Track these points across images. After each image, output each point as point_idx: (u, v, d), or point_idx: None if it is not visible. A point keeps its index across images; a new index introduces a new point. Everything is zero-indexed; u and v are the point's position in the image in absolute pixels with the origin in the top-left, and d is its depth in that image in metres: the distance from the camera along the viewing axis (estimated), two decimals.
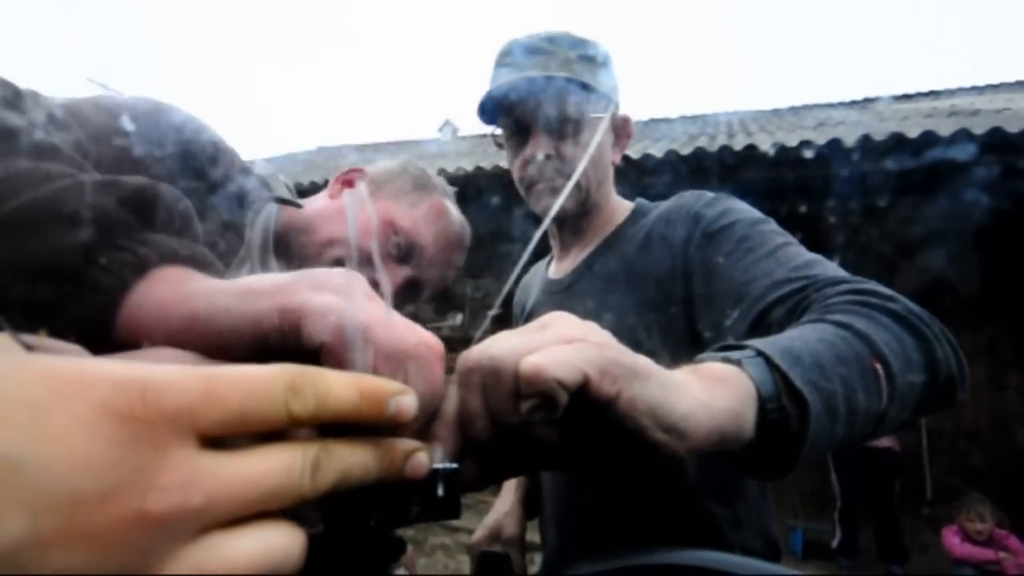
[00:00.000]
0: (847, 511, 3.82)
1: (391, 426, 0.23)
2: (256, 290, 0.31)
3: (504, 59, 0.81)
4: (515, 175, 0.85)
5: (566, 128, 0.79)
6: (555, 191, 0.79)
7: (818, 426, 0.38)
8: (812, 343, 0.43)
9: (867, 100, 6.73)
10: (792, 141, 3.60)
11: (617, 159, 0.88)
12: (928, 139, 3.28)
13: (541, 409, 0.29)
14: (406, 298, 0.76)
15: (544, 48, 0.78)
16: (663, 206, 0.82)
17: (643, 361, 0.32)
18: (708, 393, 0.34)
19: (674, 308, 0.73)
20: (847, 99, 6.84)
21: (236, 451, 0.19)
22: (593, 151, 0.80)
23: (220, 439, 0.19)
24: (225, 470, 0.18)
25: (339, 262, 0.68)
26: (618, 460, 0.33)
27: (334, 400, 0.21)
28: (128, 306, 0.31)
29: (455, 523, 4.47)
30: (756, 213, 0.71)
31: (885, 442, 3.73)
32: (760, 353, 0.40)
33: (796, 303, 0.56)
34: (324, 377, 0.21)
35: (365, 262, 0.61)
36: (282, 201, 0.70)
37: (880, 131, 3.45)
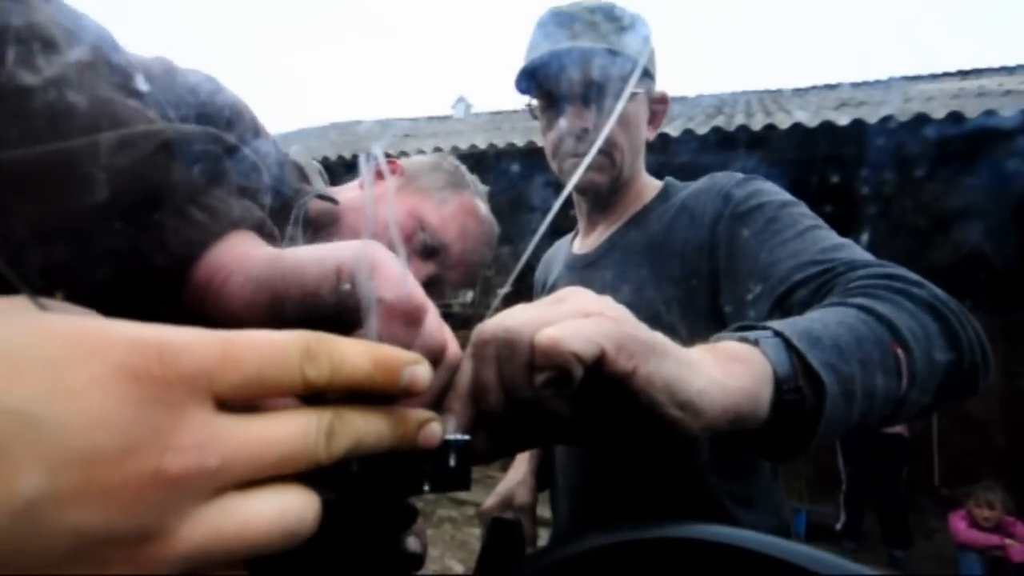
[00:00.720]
0: (852, 495, 3.84)
1: (404, 396, 0.23)
2: (325, 252, 0.31)
3: (543, 27, 0.79)
4: (548, 148, 0.84)
5: (603, 101, 0.77)
6: (593, 167, 0.79)
7: (834, 409, 0.38)
8: (832, 325, 0.42)
9: (892, 79, 6.54)
10: (813, 122, 3.53)
11: (651, 136, 0.86)
12: (954, 120, 3.20)
13: (555, 382, 0.29)
14: (427, 295, 0.73)
15: (584, 17, 0.76)
16: (693, 186, 0.80)
17: (659, 337, 0.32)
18: (724, 371, 0.34)
19: (696, 283, 0.72)
20: (871, 78, 6.66)
21: (252, 415, 0.19)
22: (629, 128, 0.79)
23: (236, 404, 0.19)
24: (241, 433, 0.18)
25: None
26: (632, 436, 0.33)
27: (349, 367, 0.21)
28: (204, 264, 0.32)
29: (462, 496, 4.56)
30: (786, 195, 0.70)
31: (894, 427, 3.72)
32: (778, 334, 0.39)
33: (820, 284, 0.55)
34: (339, 344, 0.21)
35: None
36: (322, 198, 0.69)
37: (905, 111, 3.36)
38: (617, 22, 0.76)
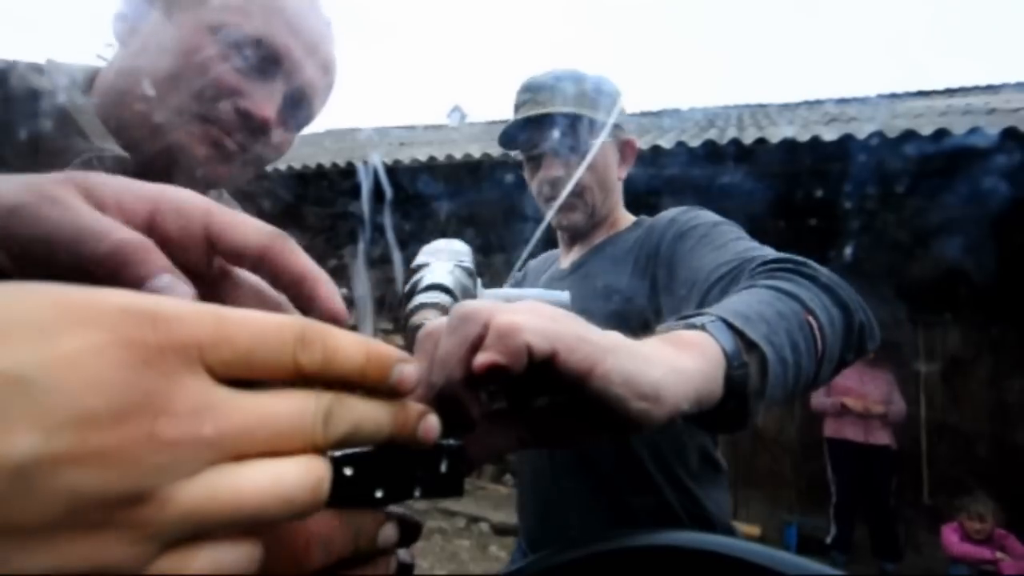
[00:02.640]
0: (842, 508, 3.85)
1: (391, 394, 0.23)
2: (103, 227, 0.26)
3: (521, 96, 0.98)
4: (533, 192, 1.01)
5: (573, 155, 0.94)
6: (568, 208, 0.96)
7: (775, 377, 0.42)
8: (754, 304, 0.47)
9: (880, 96, 6.65)
10: (803, 136, 3.57)
11: (623, 175, 1.03)
12: (941, 137, 3.25)
13: (493, 370, 0.29)
14: (296, 117, 0.60)
15: (552, 86, 0.95)
16: (654, 218, 0.95)
17: (612, 336, 0.34)
18: (679, 358, 0.36)
19: (640, 298, 0.86)
20: (860, 94, 6.76)
21: (249, 391, 0.19)
22: (599, 172, 0.97)
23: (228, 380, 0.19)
24: (237, 405, 0.18)
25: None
26: (599, 433, 0.35)
27: (342, 358, 0.20)
28: None
29: (453, 507, 4.53)
30: (720, 218, 0.83)
31: (882, 440, 3.75)
32: (719, 317, 0.43)
33: (730, 280, 0.64)
34: (334, 334, 0.21)
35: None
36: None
37: (893, 128, 3.41)
38: (583, 84, 0.95)
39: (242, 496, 0.18)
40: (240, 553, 0.19)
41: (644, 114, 6.96)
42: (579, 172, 0.93)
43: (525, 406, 0.34)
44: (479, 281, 0.56)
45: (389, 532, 0.28)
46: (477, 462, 0.33)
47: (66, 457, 0.14)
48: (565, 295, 0.57)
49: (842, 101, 6.43)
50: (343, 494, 0.26)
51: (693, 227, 0.82)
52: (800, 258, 0.59)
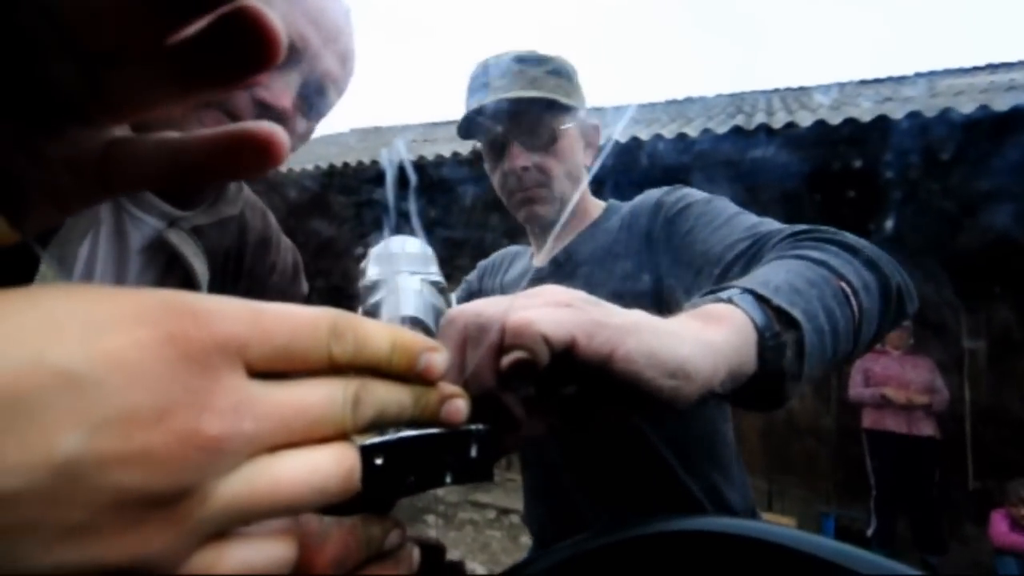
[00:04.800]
0: (883, 500, 3.74)
1: (419, 381, 0.24)
2: None
3: (477, 80, 0.88)
4: (496, 184, 0.93)
5: (539, 142, 0.86)
6: (533, 200, 0.88)
7: (812, 347, 0.40)
8: (782, 274, 0.45)
9: (918, 75, 6.39)
10: (835, 119, 3.46)
11: (588, 163, 0.94)
12: (982, 116, 3.11)
13: (520, 367, 0.29)
14: (314, 107, 0.61)
15: (513, 68, 0.85)
16: (632, 202, 0.89)
17: (634, 315, 0.33)
18: (707, 332, 0.35)
19: (635, 291, 0.78)
20: (897, 74, 6.51)
21: (281, 382, 0.19)
22: (564, 159, 0.88)
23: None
24: (274, 397, 0.19)
25: None
26: (631, 415, 0.35)
27: (372, 347, 0.21)
28: None
29: (484, 499, 4.56)
30: (709, 194, 0.78)
31: (926, 431, 3.62)
32: (746, 289, 0.41)
33: (751, 256, 0.60)
34: (363, 324, 0.21)
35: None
36: None
37: (931, 107, 3.28)
38: (545, 66, 0.85)
39: (280, 488, 0.18)
40: (275, 550, 0.20)
41: (670, 102, 6.84)
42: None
43: (554, 394, 0.34)
44: (452, 297, 0.48)
45: (395, 536, 0.30)
46: (509, 449, 0.34)
47: (111, 455, 0.15)
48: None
49: (878, 81, 6.20)
50: (376, 482, 0.27)
51: (686, 206, 0.76)
52: (825, 227, 0.57)
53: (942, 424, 3.68)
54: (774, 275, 0.45)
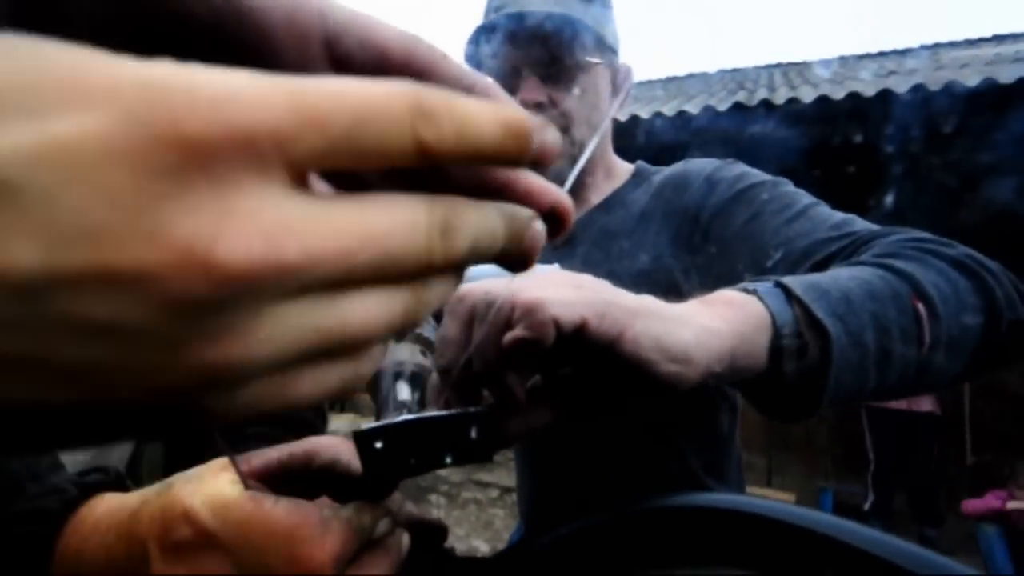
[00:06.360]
0: (881, 475, 3.79)
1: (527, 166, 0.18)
2: None
3: (493, 2, 0.73)
4: None
5: (559, 73, 0.71)
6: None
7: (843, 361, 0.37)
8: (843, 280, 0.42)
9: (923, 47, 6.29)
10: (838, 94, 3.42)
11: (614, 113, 0.82)
12: (987, 88, 3.07)
13: (524, 345, 0.29)
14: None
15: None
16: (667, 171, 0.78)
17: (644, 300, 0.33)
18: (714, 318, 0.35)
19: (674, 267, 0.69)
20: (901, 47, 6.41)
21: (337, 198, 0.14)
22: (590, 102, 0.73)
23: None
24: (330, 220, 0.13)
25: None
26: (632, 400, 0.35)
27: (475, 129, 0.15)
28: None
29: (487, 479, 4.62)
30: (770, 176, 0.68)
31: (926, 406, 3.65)
32: (779, 284, 0.39)
33: (842, 259, 0.52)
34: (459, 99, 0.15)
35: None
36: None
37: (935, 80, 3.24)
38: None
39: (348, 327, 0.14)
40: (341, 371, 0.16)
41: (670, 79, 6.75)
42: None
43: (558, 377, 0.35)
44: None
45: (384, 524, 0.30)
46: (515, 438, 0.34)
47: (75, 278, 0.11)
48: (554, 268, 0.47)
49: (881, 55, 6.11)
50: (377, 464, 0.27)
51: (748, 187, 0.65)
52: (941, 238, 0.50)
53: (941, 400, 3.71)
54: (831, 279, 0.41)
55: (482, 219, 0.17)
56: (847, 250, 0.53)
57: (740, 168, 0.70)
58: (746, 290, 0.39)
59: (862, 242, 0.52)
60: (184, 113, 0.11)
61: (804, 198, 0.63)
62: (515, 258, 0.19)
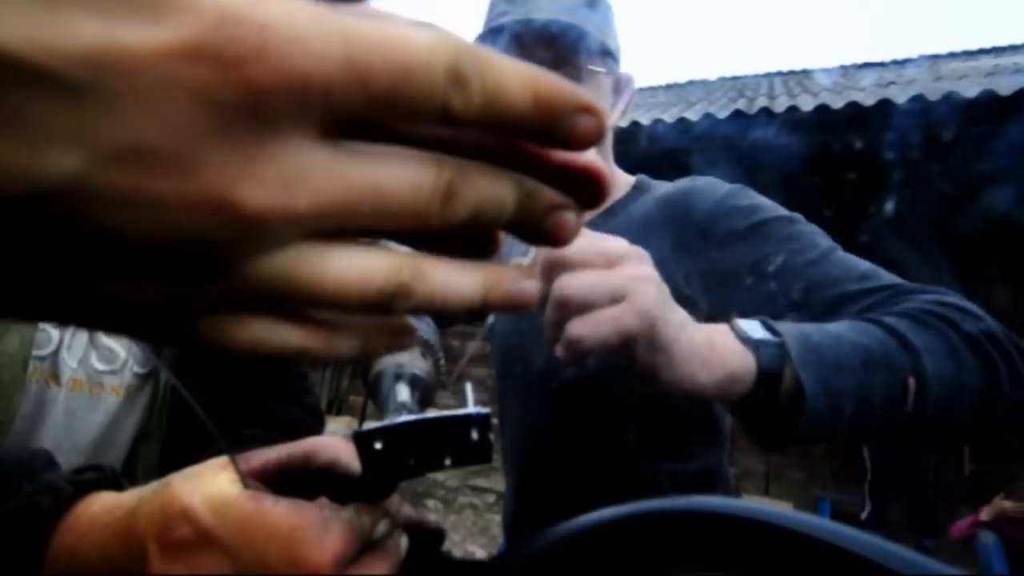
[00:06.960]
0: (878, 485, 3.78)
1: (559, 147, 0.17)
2: None
3: (495, 8, 0.73)
4: None
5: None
6: None
7: (814, 415, 0.43)
8: (845, 341, 0.46)
9: (922, 57, 6.33)
10: (838, 103, 3.43)
11: (616, 121, 0.81)
12: (985, 99, 3.08)
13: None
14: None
15: None
16: (670, 185, 0.76)
17: (671, 334, 0.41)
18: (714, 365, 0.44)
19: (678, 278, 0.67)
20: (901, 57, 6.44)
21: (357, 149, 0.14)
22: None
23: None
24: (344, 172, 0.14)
25: None
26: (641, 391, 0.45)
27: (505, 99, 0.14)
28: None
29: (483, 484, 4.61)
30: (785, 210, 0.67)
31: None
32: (780, 344, 0.45)
33: (868, 307, 0.55)
34: (493, 63, 0.14)
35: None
36: None
37: (934, 91, 3.25)
38: None
39: (322, 281, 0.15)
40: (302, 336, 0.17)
41: (671, 85, 6.78)
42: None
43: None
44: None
45: (383, 525, 0.30)
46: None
47: (113, 191, 0.11)
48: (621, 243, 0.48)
49: (881, 65, 6.15)
50: (376, 465, 0.27)
51: (762, 222, 0.64)
52: (969, 306, 0.51)
53: None
54: (835, 338, 0.46)
55: (491, 188, 0.16)
56: (875, 306, 0.54)
57: (754, 197, 0.69)
58: (747, 339, 0.45)
59: (890, 297, 0.54)
60: (254, 54, 0.11)
61: (822, 239, 0.62)
62: (528, 233, 0.18)
